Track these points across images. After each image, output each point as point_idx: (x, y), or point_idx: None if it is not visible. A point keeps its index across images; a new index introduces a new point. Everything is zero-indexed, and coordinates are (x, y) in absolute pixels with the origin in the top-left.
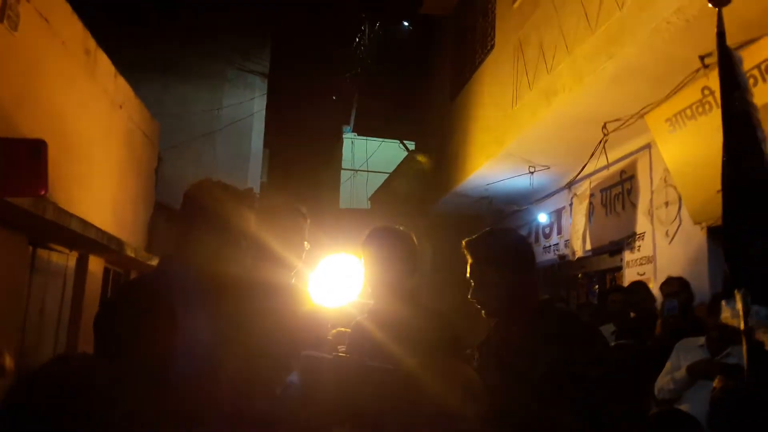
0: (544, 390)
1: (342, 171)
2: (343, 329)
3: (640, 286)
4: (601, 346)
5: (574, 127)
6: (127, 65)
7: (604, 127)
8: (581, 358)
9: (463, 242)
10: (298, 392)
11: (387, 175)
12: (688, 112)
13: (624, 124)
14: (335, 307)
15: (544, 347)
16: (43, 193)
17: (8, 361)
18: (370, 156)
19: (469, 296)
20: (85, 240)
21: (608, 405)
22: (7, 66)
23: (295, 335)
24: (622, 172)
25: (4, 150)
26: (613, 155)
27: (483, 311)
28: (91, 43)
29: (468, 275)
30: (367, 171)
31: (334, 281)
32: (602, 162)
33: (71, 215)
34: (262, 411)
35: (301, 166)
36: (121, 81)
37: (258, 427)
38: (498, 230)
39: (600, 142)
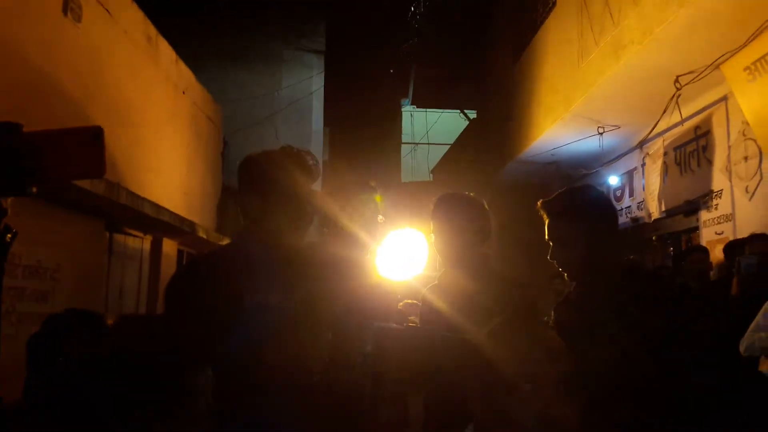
0: (639, 353)
1: (402, 145)
2: (411, 301)
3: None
4: (699, 307)
5: (644, 83)
6: (185, 55)
7: (677, 80)
8: (680, 321)
9: (539, 202)
10: (373, 363)
11: (448, 146)
12: None
13: (698, 76)
14: (402, 280)
15: (637, 310)
16: (100, 175)
17: None
18: (430, 128)
19: (549, 257)
20: (158, 223)
21: (712, 365)
22: (74, 59)
23: (365, 308)
24: (697, 127)
25: (68, 138)
26: (686, 110)
27: (566, 274)
28: (152, 30)
29: (546, 237)
30: (428, 144)
31: (400, 255)
32: (675, 118)
33: (144, 199)
34: (340, 382)
35: (361, 142)
36: (183, 66)
37: (335, 398)
38: (576, 186)
39: (672, 97)
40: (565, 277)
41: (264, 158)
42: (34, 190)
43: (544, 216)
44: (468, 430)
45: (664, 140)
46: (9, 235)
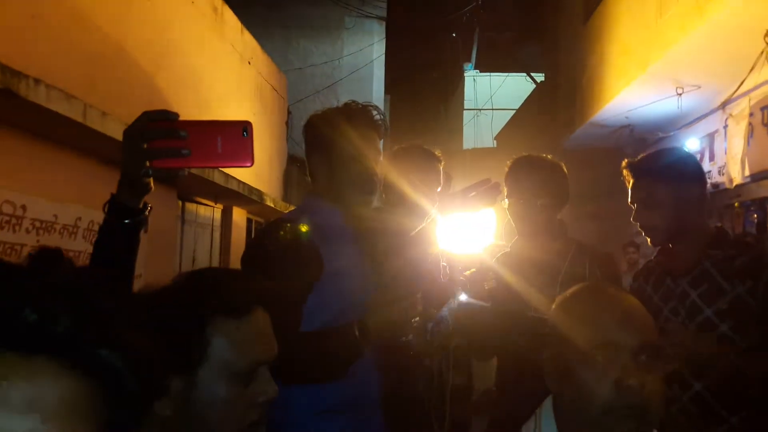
0: (726, 324)
1: (465, 111)
2: (476, 270)
3: None
4: None
5: (730, 39)
6: (248, 23)
7: (766, 35)
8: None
9: (624, 162)
10: (447, 328)
11: (512, 112)
12: None
13: None
14: (468, 252)
15: (725, 278)
16: (249, 164)
17: None
18: (495, 92)
19: (632, 219)
20: (228, 192)
21: None
22: (143, 29)
23: (427, 278)
24: None
25: (219, 128)
26: None
27: (650, 239)
28: (218, 0)
29: (630, 200)
30: (492, 109)
31: (467, 225)
32: (763, 76)
33: (214, 169)
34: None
35: (422, 109)
36: (248, 36)
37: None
38: (664, 148)
39: (762, 53)
40: (646, 243)
41: (324, 117)
42: (186, 173)
43: (629, 177)
44: (546, 402)
45: (750, 100)
46: (147, 211)
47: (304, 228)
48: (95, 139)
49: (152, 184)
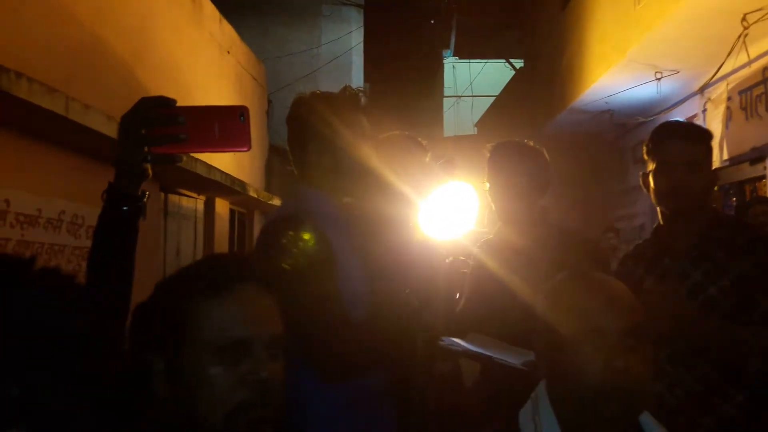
0: (724, 304)
1: (445, 98)
2: (459, 258)
3: None
4: None
5: (708, 22)
6: (224, 11)
7: (744, 18)
8: None
9: (663, 124)
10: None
11: (493, 98)
12: None
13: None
14: (449, 239)
15: (728, 257)
16: (247, 149)
17: None
18: (474, 79)
19: (657, 177)
20: (210, 183)
21: None
22: (124, 22)
23: (411, 269)
24: (765, 69)
25: (216, 113)
26: (753, 51)
27: (677, 202)
28: None
29: (664, 161)
30: (472, 96)
31: (448, 211)
32: (741, 60)
33: (197, 160)
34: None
35: (402, 97)
36: (227, 26)
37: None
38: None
39: (739, 37)
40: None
41: (310, 104)
42: (184, 159)
43: (663, 141)
44: (539, 385)
45: (728, 84)
46: (145, 198)
47: (311, 236)
48: (78, 133)
49: (150, 170)
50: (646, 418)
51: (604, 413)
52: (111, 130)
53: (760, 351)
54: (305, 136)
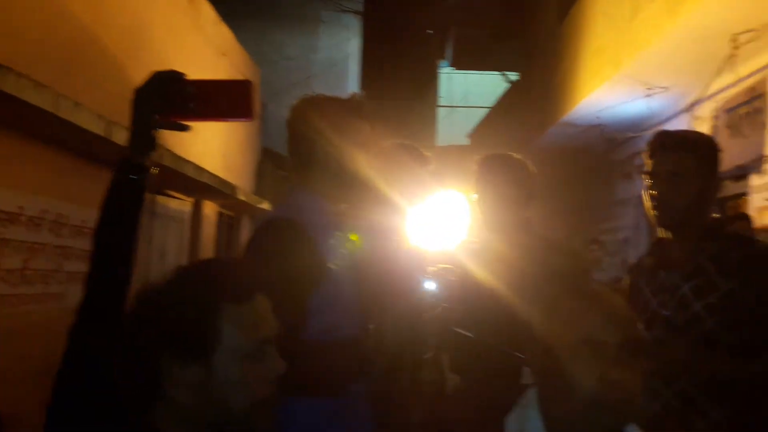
0: (714, 319)
1: (439, 108)
2: (445, 265)
3: None
4: None
5: (698, 42)
6: (222, 13)
7: (733, 39)
8: (757, 287)
9: (653, 135)
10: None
11: (486, 110)
12: None
13: (757, 34)
14: (440, 249)
15: (720, 273)
16: (251, 119)
17: None
18: (469, 91)
19: (647, 193)
20: (199, 185)
21: None
22: (119, 20)
23: (397, 278)
24: (752, 89)
25: (223, 86)
26: (741, 71)
27: (659, 217)
28: None
29: (651, 172)
30: (466, 107)
31: (439, 221)
32: (728, 80)
33: (187, 161)
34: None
35: (397, 105)
36: (224, 28)
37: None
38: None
39: (728, 56)
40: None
41: (309, 109)
42: (191, 127)
43: (657, 147)
44: (529, 393)
45: (715, 102)
46: (154, 168)
47: (300, 234)
48: (66, 130)
49: (158, 141)
50: (632, 429)
51: (594, 424)
52: (101, 128)
53: (742, 375)
54: (307, 139)
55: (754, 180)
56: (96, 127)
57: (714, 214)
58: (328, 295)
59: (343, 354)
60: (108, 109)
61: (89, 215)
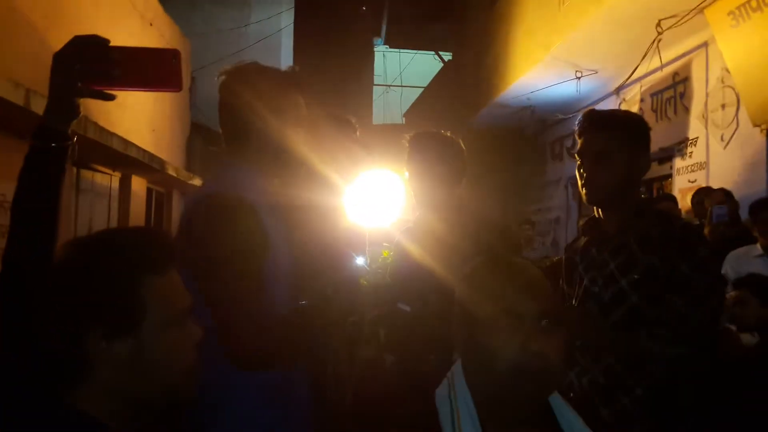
0: (636, 294)
1: (374, 87)
2: (384, 244)
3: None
4: (705, 252)
5: (625, 27)
6: None
7: (658, 24)
8: (684, 265)
9: (582, 115)
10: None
11: (421, 89)
12: (753, 3)
13: (681, 20)
14: (376, 227)
15: (641, 249)
16: (178, 89)
17: None
18: (404, 69)
19: (579, 173)
20: (126, 159)
21: (712, 316)
22: None
23: (336, 256)
24: (675, 74)
25: (149, 54)
26: (666, 56)
27: (588, 196)
28: None
29: (579, 152)
30: (401, 86)
31: (374, 199)
32: (654, 64)
33: (112, 134)
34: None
35: (331, 82)
36: None
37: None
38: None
39: (653, 41)
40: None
41: (242, 77)
42: (115, 96)
43: (585, 128)
44: (455, 365)
45: (641, 86)
46: (74, 138)
47: (248, 210)
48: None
49: (80, 108)
50: (556, 398)
51: (518, 393)
52: (19, 97)
53: (661, 358)
54: (239, 112)
55: (678, 162)
56: (13, 96)
57: (642, 195)
58: (269, 271)
59: (280, 330)
60: (26, 76)
61: (7, 189)
